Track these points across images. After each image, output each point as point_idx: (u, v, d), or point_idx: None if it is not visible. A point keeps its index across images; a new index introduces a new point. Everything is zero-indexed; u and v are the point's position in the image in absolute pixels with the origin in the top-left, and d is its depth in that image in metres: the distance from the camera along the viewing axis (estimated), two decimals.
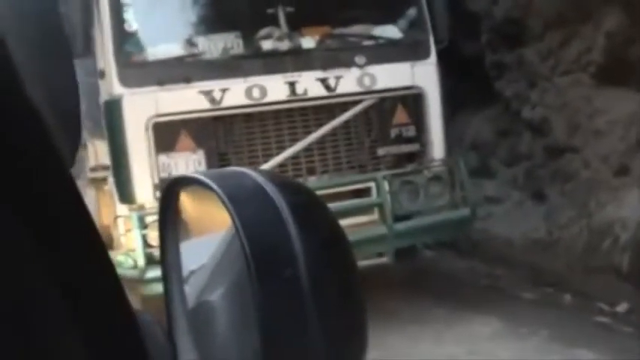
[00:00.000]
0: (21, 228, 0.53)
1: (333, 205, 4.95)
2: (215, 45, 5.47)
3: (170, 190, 0.91)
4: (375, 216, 5.73)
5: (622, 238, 5.93)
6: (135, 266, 5.05)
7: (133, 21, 5.31)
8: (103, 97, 5.42)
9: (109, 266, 0.60)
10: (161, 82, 5.25)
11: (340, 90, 5.66)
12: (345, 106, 5.70)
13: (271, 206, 0.73)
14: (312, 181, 5.48)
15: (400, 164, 5.82)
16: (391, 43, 5.92)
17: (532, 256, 6.66)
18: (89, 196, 6.32)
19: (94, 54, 5.42)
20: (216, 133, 5.44)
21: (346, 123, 5.71)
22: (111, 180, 5.59)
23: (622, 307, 5.48)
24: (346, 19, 5.86)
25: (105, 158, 5.72)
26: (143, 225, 5.03)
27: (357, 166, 5.78)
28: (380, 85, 5.75)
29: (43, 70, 0.65)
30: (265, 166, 5.38)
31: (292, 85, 5.55)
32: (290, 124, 5.59)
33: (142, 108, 5.23)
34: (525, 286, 6.17)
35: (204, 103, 5.37)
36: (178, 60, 5.39)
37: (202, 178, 0.80)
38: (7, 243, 0.53)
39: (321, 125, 5.64)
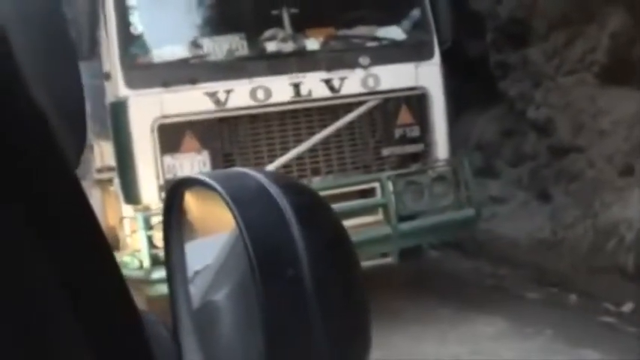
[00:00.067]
0: (21, 228, 0.53)
1: (337, 206, 4.96)
2: (220, 46, 5.48)
3: (175, 191, 0.91)
4: (379, 216, 5.73)
5: (627, 238, 5.92)
6: (140, 267, 5.06)
7: (138, 23, 5.32)
8: (109, 98, 5.44)
9: (114, 266, 0.60)
10: (166, 84, 5.26)
11: (344, 91, 5.67)
12: (349, 107, 5.70)
13: (274, 207, 0.73)
14: (316, 182, 5.49)
15: (404, 164, 5.82)
16: (395, 43, 5.92)
17: (537, 256, 6.65)
18: (95, 197, 6.33)
19: (100, 56, 5.44)
20: (221, 134, 5.45)
21: (350, 124, 5.71)
22: (116, 181, 5.60)
23: (627, 307, 5.47)
24: (350, 20, 5.87)
25: (110, 159, 5.73)
26: (148, 226, 5.04)
27: (362, 167, 5.78)
28: (384, 85, 5.75)
29: (47, 70, 0.65)
30: (270, 167, 5.39)
31: (297, 86, 5.55)
32: (294, 124, 5.60)
33: (147, 109, 5.24)
34: (530, 286, 6.16)
35: (209, 105, 5.37)
36: (183, 62, 5.40)
37: (206, 179, 0.81)
38: (8, 243, 0.53)
39: (325, 126, 5.64)
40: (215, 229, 0.85)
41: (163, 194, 5.08)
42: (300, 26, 5.61)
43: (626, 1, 6.35)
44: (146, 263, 5.02)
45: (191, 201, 0.90)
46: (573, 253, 6.37)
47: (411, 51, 5.91)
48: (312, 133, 5.62)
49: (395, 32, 5.95)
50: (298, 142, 5.58)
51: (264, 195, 0.75)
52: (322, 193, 0.84)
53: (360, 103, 5.71)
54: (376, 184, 5.68)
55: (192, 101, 5.31)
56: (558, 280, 6.12)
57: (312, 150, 5.63)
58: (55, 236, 0.55)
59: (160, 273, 4.65)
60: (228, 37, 5.51)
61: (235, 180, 0.81)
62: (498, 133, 8.25)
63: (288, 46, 5.59)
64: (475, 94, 8.15)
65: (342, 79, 5.65)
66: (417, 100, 5.87)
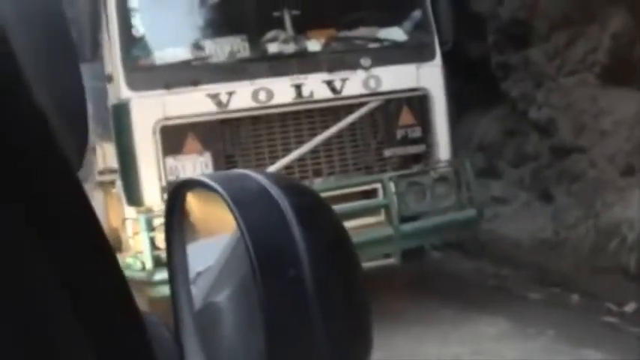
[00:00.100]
0: (21, 228, 0.53)
1: (339, 207, 4.96)
2: (222, 48, 5.48)
3: (176, 193, 0.91)
4: (381, 217, 5.72)
5: (629, 238, 5.91)
6: (143, 268, 5.06)
7: (140, 25, 5.33)
8: (111, 100, 5.45)
9: (115, 267, 0.60)
10: (168, 86, 5.27)
11: (346, 92, 5.67)
12: (350, 108, 5.71)
13: (275, 209, 0.73)
14: (318, 183, 5.49)
15: (406, 165, 5.82)
16: (396, 45, 5.92)
17: (539, 256, 6.65)
18: (97, 198, 6.35)
19: (102, 58, 5.45)
20: (223, 136, 5.45)
21: (352, 125, 5.71)
22: (119, 183, 5.61)
23: (629, 307, 5.47)
24: (351, 21, 5.87)
25: (113, 161, 5.74)
26: (151, 227, 5.04)
27: (364, 168, 5.78)
28: (385, 87, 5.75)
29: (48, 71, 0.65)
30: (272, 168, 5.39)
31: (298, 87, 5.56)
32: (296, 126, 5.60)
33: (149, 111, 5.25)
34: (532, 287, 6.16)
35: (211, 106, 5.38)
36: (185, 63, 5.40)
37: (207, 180, 0.81)
38: (7, 243, 0.53)
39: (327, 127, 5.65)
40: (217, 231, 0.85)
41: (165, 196, 5.08)
42: (302, 28, 5.62)
43: (627, 2, 6.35)
44: (148, 265, 5.02)
45: (193, 202, 0.90)
46: (575, 254, 6.37)
47: (413, 52, 5.92)
48: (314, 135, 5.62)
49: (396, 33, 5.95)
50: (300, 143, 5.59)
51: (265, 196, 0.75)
52: (324, 195, 0.84)
53: (362, 104, 5.71)
54: (378, 185, 5.68)
55: (194, 103, 5.31)
56: (561, 280, 6.12)
57: (314, 151, 5.63)
58: (55, 236, 0.55)
59: (163, 274, 4.65)
60: (230, 39, 5.52)
61: (236, 181, 0.82)
62: (500, 133, 8.24)
63: (290, 48, 5.59)
64: (477, 95, 8.14)
65: (344, 80, 5.66)
66: (418, 101, 5.88)
